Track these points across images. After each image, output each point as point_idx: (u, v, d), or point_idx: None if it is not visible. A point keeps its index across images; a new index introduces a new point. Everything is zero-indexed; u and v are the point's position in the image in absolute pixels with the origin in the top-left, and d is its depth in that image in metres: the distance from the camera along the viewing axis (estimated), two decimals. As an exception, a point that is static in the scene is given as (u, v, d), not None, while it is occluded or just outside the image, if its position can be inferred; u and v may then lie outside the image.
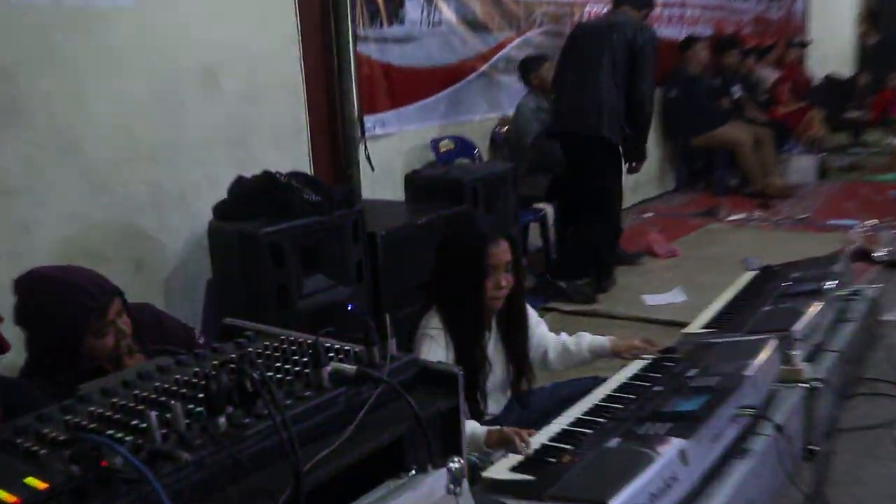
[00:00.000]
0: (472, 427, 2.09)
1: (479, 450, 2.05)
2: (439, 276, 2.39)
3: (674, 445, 1.77)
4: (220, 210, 3.12)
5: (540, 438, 1.99)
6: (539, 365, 2.62)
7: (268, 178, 3.08)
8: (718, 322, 2.79)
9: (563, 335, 2.65)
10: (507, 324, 2.46)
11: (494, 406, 2.47)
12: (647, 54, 4.30)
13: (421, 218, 3.43)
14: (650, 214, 6.73)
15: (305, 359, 1.38)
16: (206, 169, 3.43)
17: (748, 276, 3.33)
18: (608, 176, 4.48)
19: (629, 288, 4.90)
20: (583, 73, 4.40)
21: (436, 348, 2.28)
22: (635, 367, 2.47)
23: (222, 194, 3.15)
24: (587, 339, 2.62)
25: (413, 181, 4.03)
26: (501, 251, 2.34)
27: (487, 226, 2.47)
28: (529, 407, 2.49)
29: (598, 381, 2.47)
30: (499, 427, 2.07)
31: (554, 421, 2.11)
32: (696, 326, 2.79)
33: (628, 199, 5.47)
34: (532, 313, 2.59)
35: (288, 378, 1.31)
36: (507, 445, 1.95)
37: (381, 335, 1.35)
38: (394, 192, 4.34)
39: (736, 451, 1.95)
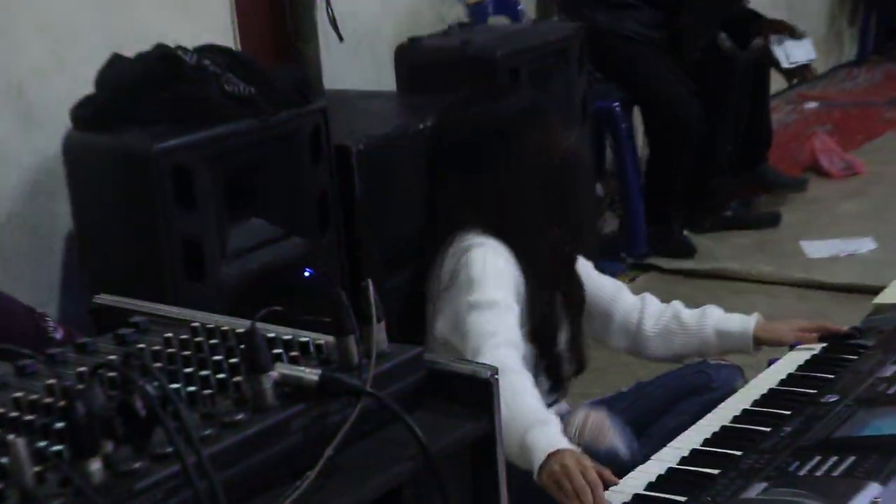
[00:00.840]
0: (541, 429, 2.07)
1: (526, 465, 2.05)
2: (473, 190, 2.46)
3: (862, 495, 1.77)
4: (85, 114, 3.11)
5: (633, 484, 2.00)
6: (623, 342, 2.69)
7: (164, 57, 3.07)
8: (934, 285, 2.78)
9: (676, 303, 2.69)
10: None
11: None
12: None
13: (424, 119, 3.42)
14: (814, 105, 6.68)
15: (235, 360, 1.38)
16: (56, 44, 3.42)
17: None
18: (631, 70, 4.69)
19: (780, 230, 4.89)
20: None
21: (495, 257, 2.35)
22: (791, 362, 2.47)
23: (87, 88, 3.14)
24: (716, 314, 2.65)
25: (410, 58, 4.01)
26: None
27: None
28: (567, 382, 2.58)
29: (708, 377, 2.52)
30: (575, 452, 2.05)
31: (655, 456, 2.11)
32: (894, 294, 2.78)
33: (777, 82, 5.43)
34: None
35: (206, 392, 1.31)
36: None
37: (360, 317, 1.35)
38: (377, 76, 4.32)
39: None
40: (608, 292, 2.68)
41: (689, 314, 2.66)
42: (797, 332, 2.58)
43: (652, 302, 2.69)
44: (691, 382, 2.55)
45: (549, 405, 2.38)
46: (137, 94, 3.02)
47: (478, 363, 1.44)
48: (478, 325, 2.22)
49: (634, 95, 4.82)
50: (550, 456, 2.02)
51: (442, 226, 2.47)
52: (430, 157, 2.55)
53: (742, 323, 2.61)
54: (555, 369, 2.48)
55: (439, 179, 2.51)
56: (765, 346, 2.60)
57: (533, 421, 2.08)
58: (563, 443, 2.06)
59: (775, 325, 2.62)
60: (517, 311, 2.31)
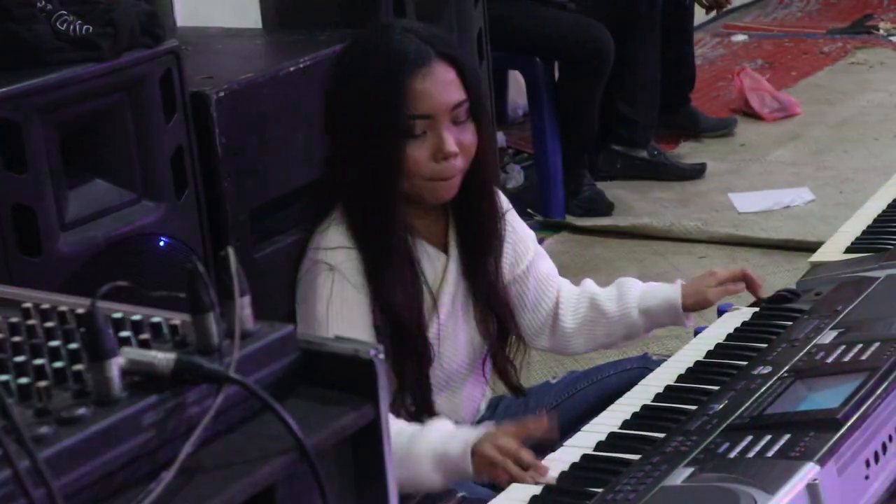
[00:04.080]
0: (437, 436, 2.14)
1: (459, 478, 2.12)
2: (334, 149, 2.46)
3: (796, 477, 1.80)
4: None
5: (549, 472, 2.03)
6: (545, 341, 2.69)
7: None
8: (875, 242, 2.84)
9: (588, 283, 2.69)
10: (470, 236, 2.50)
11: (455, 402, 2.54)
12: None
13: (297, 60, 3.42)
14: (742, 38, 6.76)
15: (75, 345, 1.36)
16: None
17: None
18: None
19: (705, 181, 4.95)
20: None
21: (341, 290, 2.32)
22: (719, 329, 2.51)
23: None
24: (636, 290, 2.64)
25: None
26: (439, 83, 2.35)
27: (416, 41, 2.41)
28: (526, 396, 2.59)
29: (649, 368, 2.53)
30: (490, 430, 2.12)
31: (568, 442, 2.14)
32: (833, 251, 2.84)
33: (701, 14, 5.48)
34: (520, 225, 2.65)
35: (41, 384, 1.29)
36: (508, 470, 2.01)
37: (222, 291, 1.34)
38: (240, 10, 4.31)
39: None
40: (543, 286, 2.65)
41: (606, 297, 2.63)
42: (720, 288, 2.59)
43: (565, 289, 2.67)
44: (632, 378, 2.50)
45: None
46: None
47: (359, 342, 1.43)
48: None
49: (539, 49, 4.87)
50: (478, 444, 2.08)
51: (316, 209, 2.46)
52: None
53: (666, 294, 2.60)
54: (421, 390, 2.42)
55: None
56: (693, 311, 2.61)
57: (436, 431, 2.16)
58: (476, 432, 2.12)
59: (696, 284, 2.62)
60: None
